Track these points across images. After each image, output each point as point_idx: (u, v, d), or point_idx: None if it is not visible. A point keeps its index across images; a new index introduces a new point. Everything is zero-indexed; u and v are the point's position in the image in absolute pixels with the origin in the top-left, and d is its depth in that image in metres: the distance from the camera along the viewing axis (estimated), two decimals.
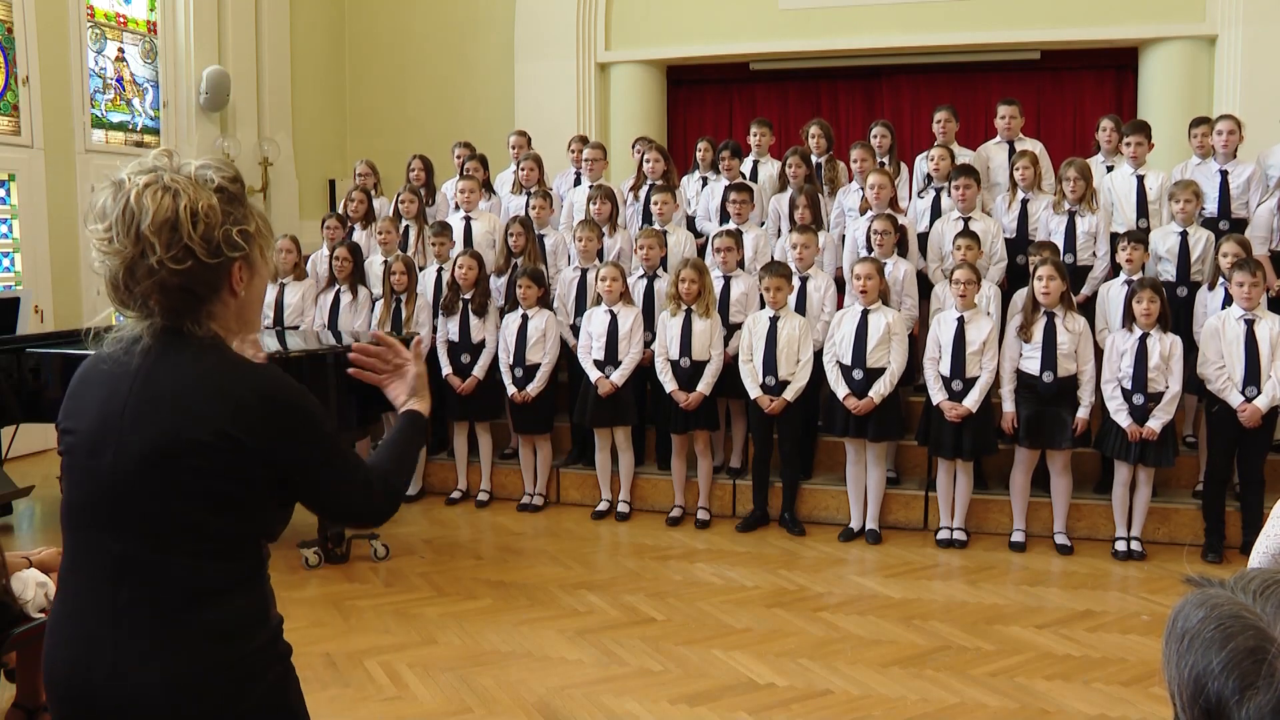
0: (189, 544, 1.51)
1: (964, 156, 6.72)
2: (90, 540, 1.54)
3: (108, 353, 1.57)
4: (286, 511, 1.65)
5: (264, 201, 9.61)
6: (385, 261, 6.56)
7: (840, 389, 5.49)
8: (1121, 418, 5.18)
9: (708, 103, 10.33)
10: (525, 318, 6.06)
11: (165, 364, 1.53)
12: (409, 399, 1.87)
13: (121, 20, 8.54)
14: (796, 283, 5.78)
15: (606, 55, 9.84)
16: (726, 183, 6.71)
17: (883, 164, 6.70)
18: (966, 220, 6.06)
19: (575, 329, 6.21)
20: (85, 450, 1.55)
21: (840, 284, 6.14)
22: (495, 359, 6.18)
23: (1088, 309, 5.77)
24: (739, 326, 5.79)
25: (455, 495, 6.39)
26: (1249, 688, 0.85)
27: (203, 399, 1.51)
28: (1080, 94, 9.47)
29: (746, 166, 7.20)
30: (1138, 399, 5.15)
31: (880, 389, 5.39)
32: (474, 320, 6.19)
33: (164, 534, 1.50)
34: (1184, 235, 5.78)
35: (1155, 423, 5.10)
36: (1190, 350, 5.33)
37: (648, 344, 5.98)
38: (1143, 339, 5.15)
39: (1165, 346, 5.13)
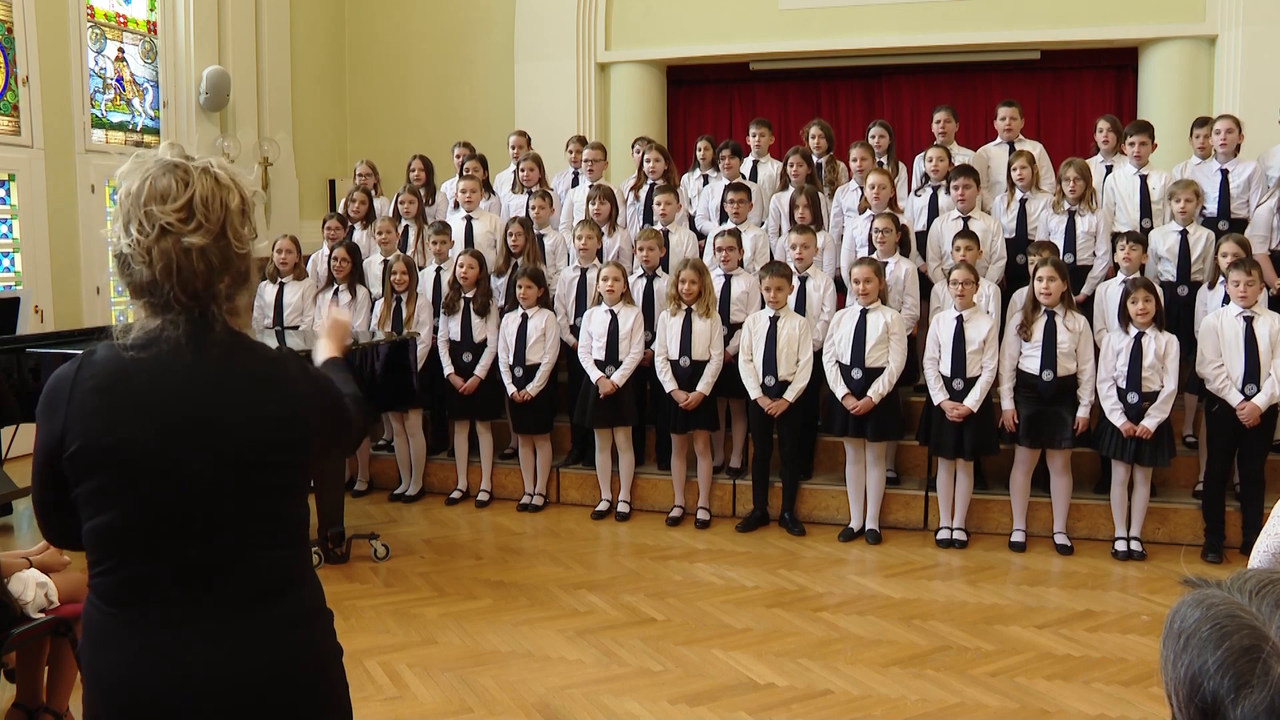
0: (267, 537, 1.54)
1: (963, 157, 6.73)
2: (157, 551, 1.48)
3: (138, 361, 1.49)
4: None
5: (264, 201, 9.62)
6: (385, 261, 6.57)
7: (839, 389, 5.49)
8: (1116, 417, 5.18)
9: (708, 103, 10.33)
10: (525, 317, 6.06)
11: (214, 363, 1.53)
12: (328, 347, 2.05)
13: (121, 20, 8.55)
14: (796, 283, 5.78)
15: (606, 55, 9.84)
16: (726, 182, 6.72)
17: (881, 164, 6.71)
18: (966, 220, 6.06)
19: (575, 329, 6.21)
20: (144, 466, 1.47)
21: (839, 284, 6.15)
22: (496, 358, 6.18)
23: (1087, 308, 5.78)
24: (740, 326, 5.79)
25: (455, 495, 6.39)
26: (1244, 686, 0.86)
27: (274, 403, 1.55)
28: (1080, 94, 9.47)
29: (746, 167, 7.20)
30: (1132, 398, 5.15)
31: (879, 389, 5.39)
32: (475, 320, 6.19)
33: (245, 532, 1.52)
34: (1184, 235, 5.78)
35: (1150, 421, 5.10)
36: (1191, 349, 5.33)
37: (648, 344, 5.98)
38: (1138, 338, 5.15)
39: (1161, 346, 5.13)
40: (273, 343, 5.48)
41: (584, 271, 6.30)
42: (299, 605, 1.57)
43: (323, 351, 2.02)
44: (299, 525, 1.62)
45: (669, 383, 5.77)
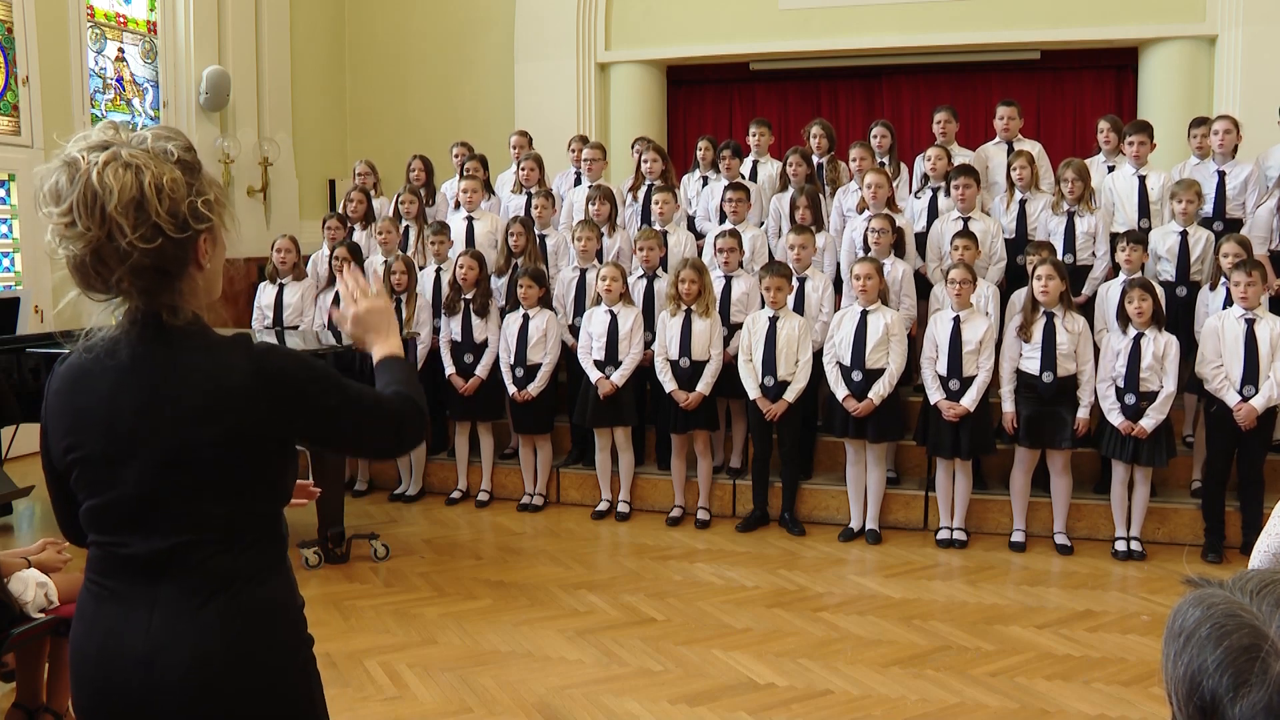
0: (219, 536, 1.52)
1: (963, 157, 6.72)
2: (119, 539, 1.53)
3: (90, 360, 1.52)
4: (294, 471, 1.65)
5: (264, 201, 9.62)
6: (385, 261, 6.56)
7: (840, 390, 5.49)
8: (1114, 416, 5.18)
9: (708, 103, 10.34)
10: (526, 318, 6.06)
11: (155, 364, 1.50)
12: (376, 344, 1.79)
13: (121, 20, 8.55)
14: (795, 283, 5.78)
15: (606, 55, 9.84)
16: (726, 182, 6.71)
17: (883, 164, 6.70)
18: (966, 220, 6.06)
19: (575, 329, 6.21)
20: (98, 463, 1.52)
21: (839, 284, 6.15)
22: (497, 359, 6.18)
23: (1088, 310, 5.78)
24: (740, 327, 5.79)
25: (455, 495, 6.38)
26: (1243, 685, 0.86)
27: (205, 397, 1.49)
28: (1080, 94, 9.48)
29: (746, 167, 7.20)
30: (1129, 399, 5.15)
31: (879, 390, 5.39)
32: (476, 320, 6.19)
33: (193, 531, 1.51)
34: (1184, 235, 5.78)
35: (1147, 422, 5.09)
36: (1190, 350, 5.33)
37: (648, 344, 5.98)
38: (1137, 339, 5.15)
39: (1160, 346, 5.13)
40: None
41: (583, 272, 6.30)
42: (249, 605, 1.53)
43: (376, 350, 1.79)
44: (255, 522, 1.56)
45: (669, 383, 5.77)
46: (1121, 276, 5.55)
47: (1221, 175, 6.13)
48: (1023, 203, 6.33)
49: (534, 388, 6.00)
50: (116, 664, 1.51)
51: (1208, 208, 6.11)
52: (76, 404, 1.54)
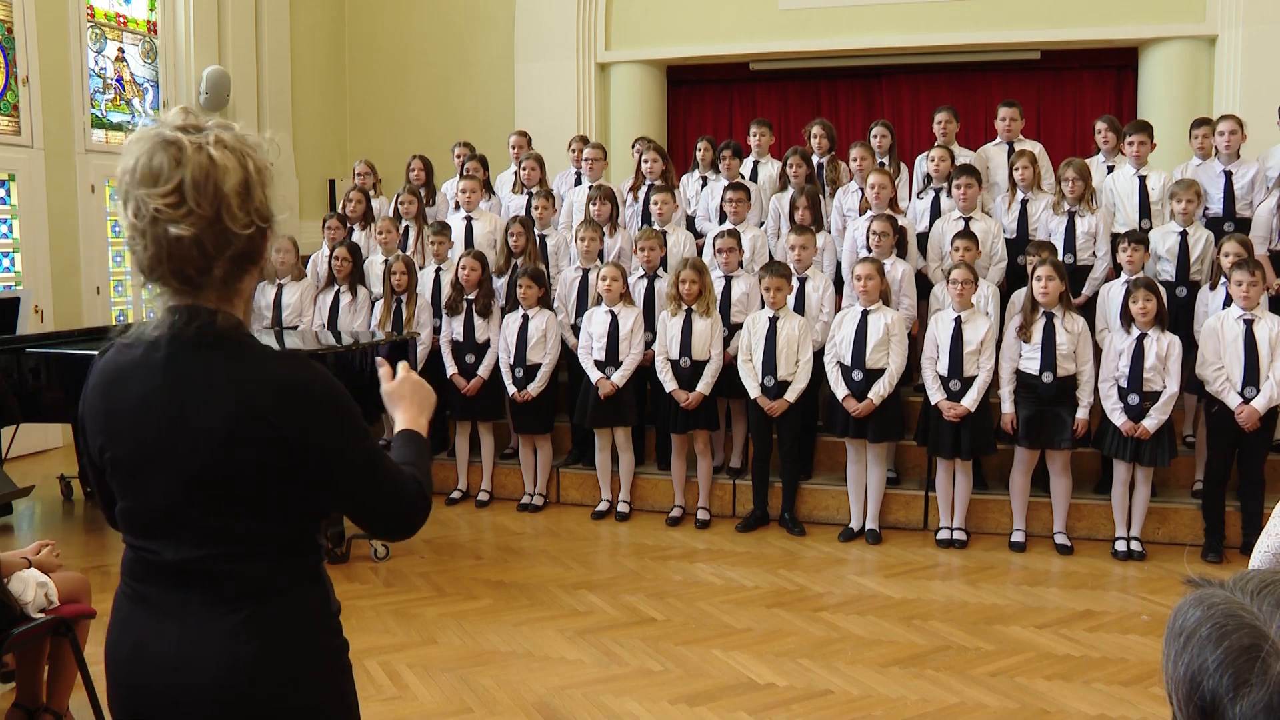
0: (247, 549, 1.50)
1: (964, 157, 6.72)
2: (150, 546, 1.52)
3: (127, 360, 1.50)
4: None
5: None
6: (385, 261, 6.56)
7: (840, 390, 5.49)
8: (1117, 416, 5.18)
9: (708, 103, 10.34)
10: (526, 318, 6.06)
11: (187, 373, 1.47)
12: (404, 413, 1.77)
13: (121, 20, 8.55)
14: (795, 283, 5.78)
15: (606, 55, 9.84)
16: (726, 182, 6.71)
17: (883, 164, 6.70)
18: (967, 220, 6.06)
19: (576, 329, 6.21)
20: (128, 468, 1.51)
21: (839, 285, 6.14)
22: (498, 359, 6.18)
23: (1088, 309, 5.77)
24: (741, 327, 5.79)
25: (455, 495, 6.39)
26: (1243, 685, 0.86)
27: (232, 414, 1.45)
28: (1080, 94, 9.48)
29: (746, 167, 7.20)
30: (1133, 399, 5.15)
31: (879, 390, 5.39)
32: (478, 320, 6.19)
33: (221, 544, 1.48)
34: (1184, 235, 5.78)
35: (1150, 422, 5.09)
36: (1191, 350, 5.33)
37: (648, 344, 5.98)
38: (1140, 339, 5.15)
39: (1163, 347, 5.13)
40: (271, 344, 5.49)
41: (585, 272, 6.29)
42: (279, 614, 1.52)
43: (399, 420, 1.75)
44: (287, 535, 1.53)
45: (669, 383, 5.77)
46: (1123, 277, 5.55)
47: (1228, 175, 6.13)
48: (1024, 203, 6.32)
49: (534, 388, 6.00)
50: (146, 668, 1.50)
51: (1217, 208, 6.10)
52: (110, 405, 1.51)
